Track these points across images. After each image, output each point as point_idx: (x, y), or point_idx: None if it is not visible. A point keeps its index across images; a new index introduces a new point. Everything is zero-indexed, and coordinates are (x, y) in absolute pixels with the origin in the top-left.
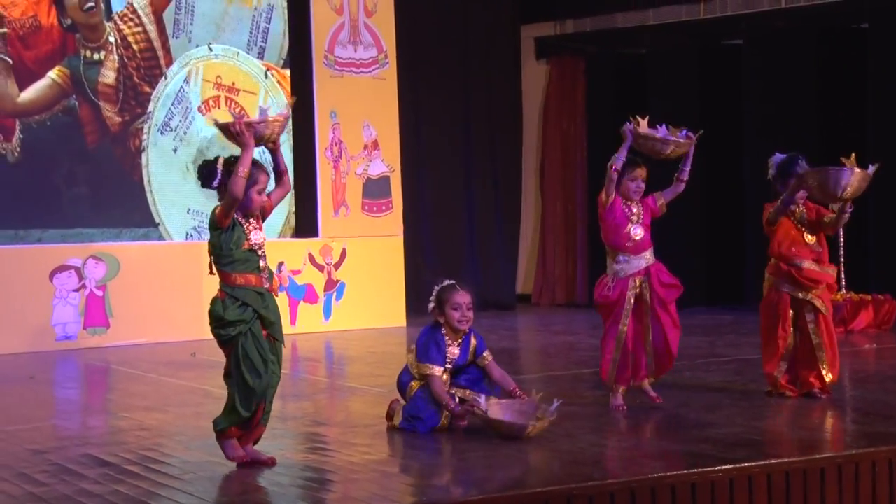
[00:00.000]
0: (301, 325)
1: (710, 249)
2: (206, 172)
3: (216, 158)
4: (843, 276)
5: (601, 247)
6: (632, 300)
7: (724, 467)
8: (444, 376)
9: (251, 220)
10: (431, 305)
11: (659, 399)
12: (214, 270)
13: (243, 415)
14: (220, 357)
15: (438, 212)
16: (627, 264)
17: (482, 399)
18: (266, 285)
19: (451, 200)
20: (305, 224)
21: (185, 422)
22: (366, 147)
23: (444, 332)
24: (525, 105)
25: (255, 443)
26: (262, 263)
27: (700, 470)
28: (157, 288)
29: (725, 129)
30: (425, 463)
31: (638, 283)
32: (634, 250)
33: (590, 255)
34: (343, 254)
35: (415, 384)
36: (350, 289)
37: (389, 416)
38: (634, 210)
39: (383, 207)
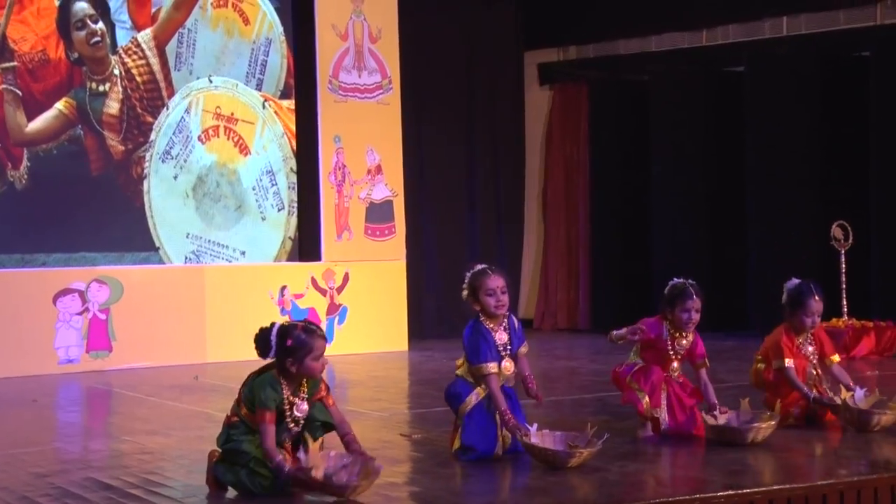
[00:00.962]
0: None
1: (712, 274)
2: (262, 344)
3: (271, 327)
4: (844, 302)
5: (603, 272)
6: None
7: (725, 493)
8: (507, 364)
9: (300, 387)
10: (465, 293)
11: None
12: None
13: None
14: (222, 380)
15: (441, 236)
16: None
17: (533, 428)
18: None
19: (453, 225)
20: (308, 248)
21: (187, 445)
22: (369, 171)
23: (483, 321)
24: (528, 130)
25: None
26: (288, 436)
27: (702, 496)
28: (160, 311)
29: (728, 154)
30: (429, 488)
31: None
32: (664, 369)
33: (592, 280)
34: (346, 278)
35: (473, 397)
36: (352, 313)
37: (452, 443)
38: (683, 342)
39: (386, 232)
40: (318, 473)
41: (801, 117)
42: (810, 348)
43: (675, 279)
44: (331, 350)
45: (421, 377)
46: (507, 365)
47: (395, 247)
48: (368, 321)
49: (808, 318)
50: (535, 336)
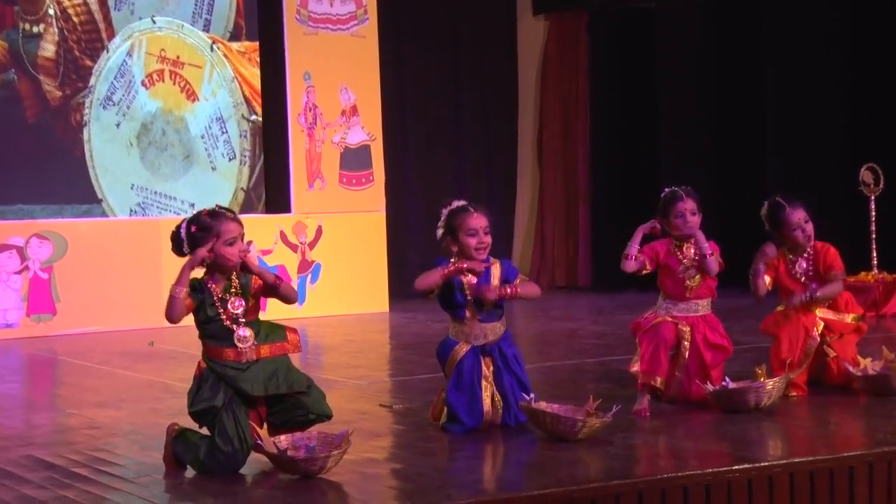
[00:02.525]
0: (272, 311)
1: (727, 224)
2: (175, 240)
3: (180, 224)
4: (874, 254)
5: (606, 223)
6: (665, 322)
7: (741, 466)
8: (469, 314)
9: (231, 283)
10: (440, 232)
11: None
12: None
13: (197, 466)
14: (181, 346)
15: (424, 185)
16: (674, 306)
17: (532, 396)
18: (251, 357)
19: (438, 173)
20: (276, 199)
21: (141, 419)
22: (343, 113)
23: (455, 261)
24: (521, 66)
25: None
26: (241, 333)
27: (715, 469)
28: (110, 269)
29: (745, 90)
30: (411, 464)
31: (681, 329)
32: (684, 297)
33: (593, 233)
34: (318, 232)
35: (460, 349)
36: (326, 270)
37: (436, 416)
38: (687, 252)
39: (363, 180)
40: (269, 447)
41: (825, 49)
42: (804, 264)
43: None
44: (303, 312)
45: (403, 341)
46: (472, 310)
47: (373, 197)
48: (344, 279)
49: (796, 231)
50: None
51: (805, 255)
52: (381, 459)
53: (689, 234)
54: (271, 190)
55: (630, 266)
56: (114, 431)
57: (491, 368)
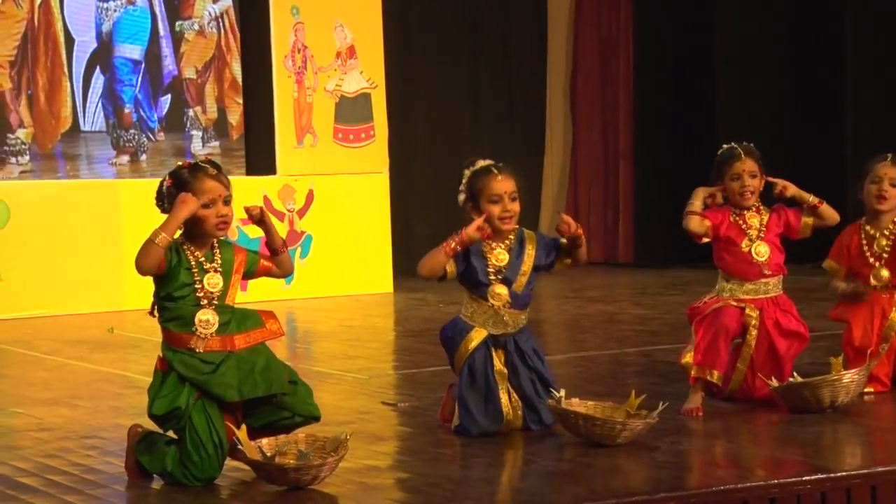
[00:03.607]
0: (254, 291)
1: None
2: (158, 194)
3: (164, 179)
4: None
5: (652, 189)
6: (729, 307)
7: (813, 477)
8: (499, 289)
9: (213, 252)
10: (462, 196)
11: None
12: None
13: (166, 477)
14: (145, 333)
15: (435, 142)
16: (740, 287)
17: (562, 393)
18: (216, 348)
19: (451, 127)
20: (259, 157)
21: (99, 419)
22: (339, 55)
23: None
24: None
25: None
26: (205, 316)
27: (782, 480)
28: (62, 242)
29: (823, 28)
30: (419, 473)
31: (748, 315)
32: (745, 274)
33: (636, 200)
34: (309, 197)
35: (473, 337)
36: (318, 243)
37: (446, 416)
38: (750, 221)
39: (362, 135)
40: (252, 453)
41: None
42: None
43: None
44: (291, 292)
45: (410, 327)
46: (499, 291)
47: (373, 155)
48: (340, 254)
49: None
50: (562, 272)
51: (887, 230)
52: (384, 467)
53: (750, 200)
54: (252, 147)
55: (695, 223)
56: (67, 434)
57: (503, 361)
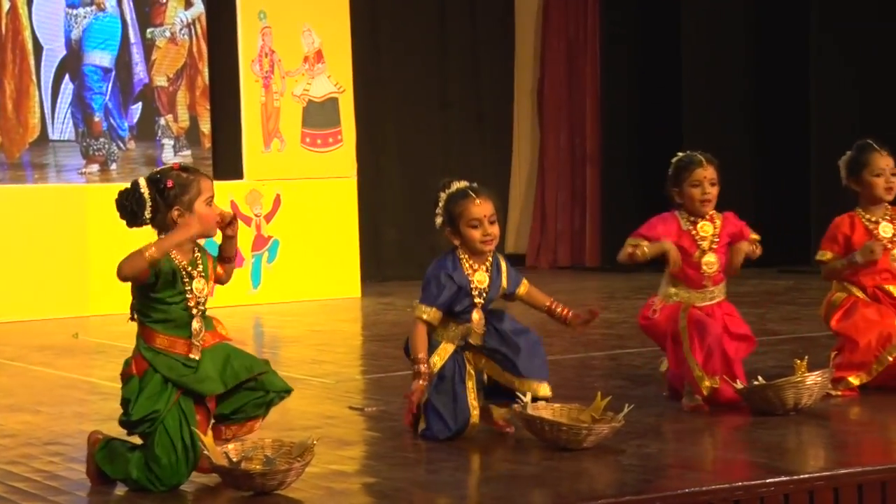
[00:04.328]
0: (221, 296)
1: (760, 192)
2: (132, 201)
3: (135, 183)
4: None
5: (618, 193)
6: (685, 324)
7: (776, 479)
8: (477, 316)
9: (195, 257)
10: (439, 220)
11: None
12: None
13: (131, 483)
14: (110, 339)
15: (403, 146)
16: (686, 294)
17: (527, 397)
18: (192, 355)
19: (419, 131)
20: (226, 162)
21: (62, 426)
22: (306, 60)
23: (461, 255)
24: (518, 3)
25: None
26: (193, 325)
27: (745, 483)
28: (26, 247)
29: (786, 40)
30: (386, 478)
31: None
32: (695, 282)
33: (603, 201)
34: (277, 201)
35: (439, 356)
36: (286, 248)
37: (411, 421)
38: (703, 231)
39: (330, 140)
40: (218, 459)
41: (877, 10)
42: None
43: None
44: (258, 297)
45: (377, 332)
46: (477, 318)
47: (341, 160)
48: (308, 259)
49: (878, 178)
50: (529, 277)
51: (888, 215)
52: (351, 472)
53: (708, 210)
54: (220, 152)
55: (640, 259)
56: (30, 440)
57: (483, 362)
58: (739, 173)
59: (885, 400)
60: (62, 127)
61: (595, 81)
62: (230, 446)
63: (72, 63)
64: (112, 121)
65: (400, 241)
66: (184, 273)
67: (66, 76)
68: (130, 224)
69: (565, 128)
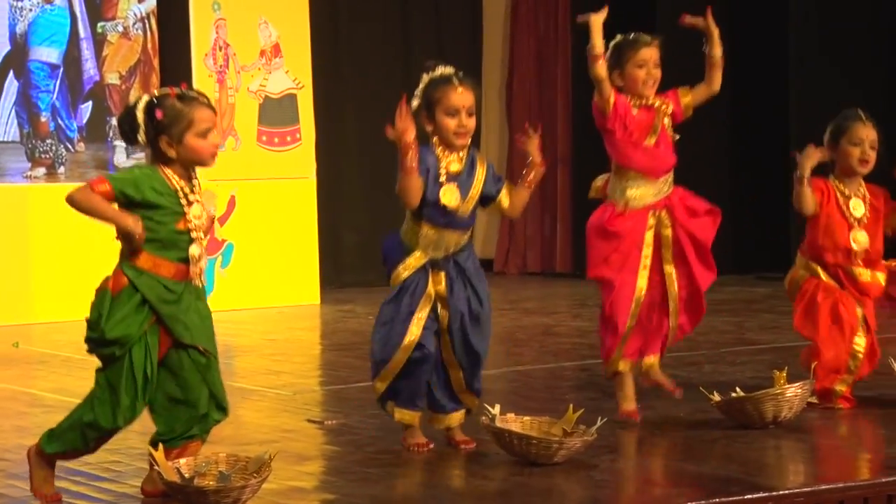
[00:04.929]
0: None
1: (737, 195)
2: (128, 122)
3: (133, 105)
4: None
5: (588, 195)
6: (650, 242)
7: (755, 496)
8: (451, 191)
9: (192, 183)
10: (416, 103)
11: (677, 390)
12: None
13: (87, 434)
14: (53, 348)
15: (364, 146)
16: (644, 190)
17: (495, 410)
18: (196, 281)
19: (382, 131)
20: None
21: (2, 441)
22: (263, 54)
23: (435, 146)
24: None
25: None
26: (192, 251)
27: (724, 499)
28: None
29: (765, 49)
30: (346, 494)
31: (658, 220)
32: (653, 171)
33: (574, 206)
34: (231, 203)
35: (408, 265)
36: (241, 252)
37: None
38: (651, 103)
39: (288, 138)
40: (169, 474)
41: (860, 7)
42: (862, 207)
43: None
44: (211, 303)
45: (337, 341)
46: (451, 194)
47: (300, 159)
48: (264, 264)
49: (855, 149)
50: (497, 283)
51: (860, 193)
52: (309, 488)
53: (651, 90)
54: None
55: (602, 70)
56: None
57: (442, 285)
58: (717, 179)
59: (867, 413)
60: (6, 127)
61: (566, 81)
62: (182, 461)
63: (16, 59)
64: (60, 121)
65: (361, 245)
66: (182, 194)
67: (11, 73)
68: (125, 140)
69: (536, 128)
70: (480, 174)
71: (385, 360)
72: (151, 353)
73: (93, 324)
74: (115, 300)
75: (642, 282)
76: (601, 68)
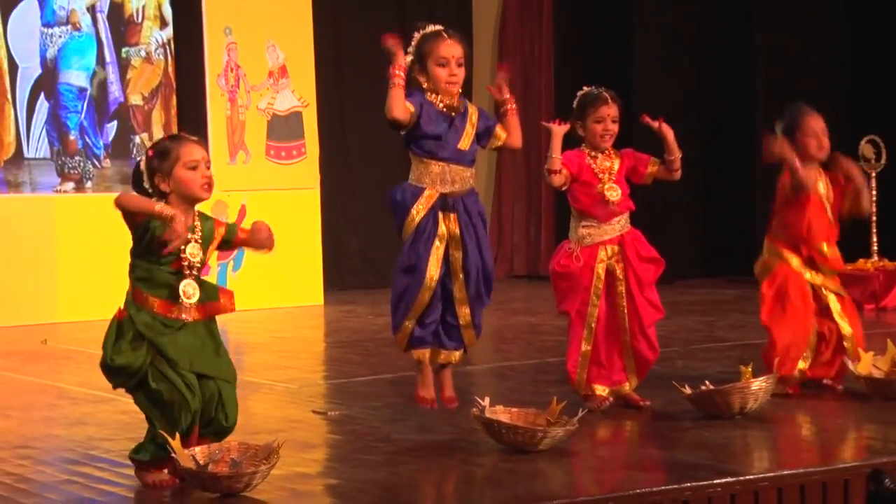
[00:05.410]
0: None
1: (712, 205)
2: (135, 172)
3: (140, 161)
4: (874, 238)
5: (570, 206)
6: (602, 274)
7: (723, 480)
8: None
9: (193, 224)
10: (409, 58)
11: (645, 402)
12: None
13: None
14: (78, 345)
15: (364, 159)
16: (597, 230)
17: (485, 403)
18: (192, 316)
19: (380, 145)
20: None
21: (32, 430)
22: (271, 74)
23: (430, 95)
24: (476, 22)
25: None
26: (188, 289)
27: (694, 484)
28: None
29: (732, 59)
30: (348, 479)
31: (610, 254)
32: (606, 216)
33: (557, 215)
34: (242, 212)
35: (421, 205)
36: (251, 257)
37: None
38: (603, 165)
39: (294, 152)
40: (185, 461)
41: (820, 14)
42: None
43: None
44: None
45: (340, 339)
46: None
47: (305, 172)
48: (272, 268)
49: (811, 139)
50: None
51: (821, 177)
52: (313, 474)
53: (607, 145)
54: None
55: (559, 181)
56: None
57: (455, 225)
58: (687, 184)
59: (825, 405)
60: (37, 145)
61: (550, 98)
62: (197, 449)
63: (47, 82)
64: (87, 139)
65: (361, 250)
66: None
67: (42, 95)
68: (136, 191)
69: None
70: (473, 112)
71: (410, 301)
72: (165, 371)
73: (104, 348)
74: (119, 328)
75: (593, 310)
76: (557, 181)
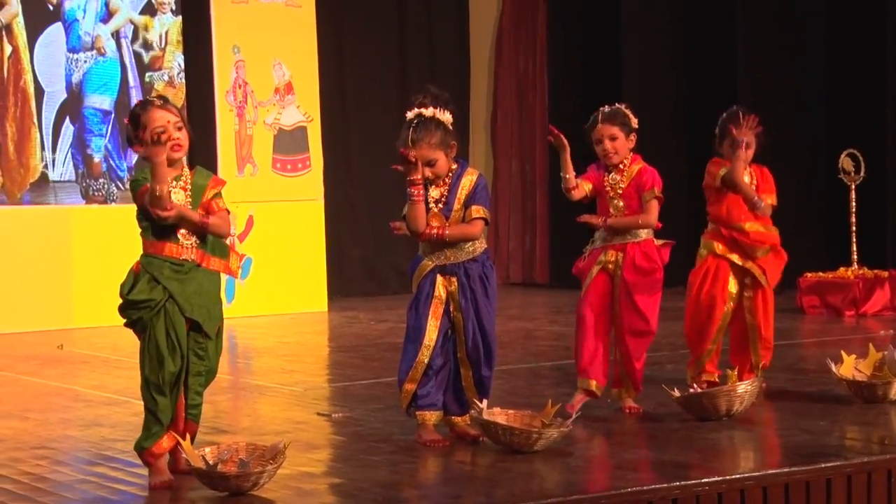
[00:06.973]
0: None
1: (697, 215)
2: (127, 139)
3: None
4: (854, 247)
5: (564, 216)
6: (595, 273)
7: (711, 479)
8: (434, 221)
9: (181, 175)
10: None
11: (637, 409)
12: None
13: (155, 416)
14: (93, 350)
15: (366, 172)
16: (602, 234)
17: (483, 405)
18: (191, 256)
19: (381, 158)
20: None
21: (49, 431)
22: (277, 91)
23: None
24: (473, 41)
25: (192, 439)
26: (183, 236)
27: (683, 483)
28: (14, 263)
29: (714, 67)
30: (351, 479)
31: (611, 258)
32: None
33: (551, 225)
34: (249, 222)
35: (423, 269)
36: (258, 265)
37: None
38: (616, 178)
39: (299, 165)
40: (195, 461)
41: (801, 26)
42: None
43: None
44: (232, 311)
45: (343, 343)
46: (433, 222)
47: (309, 184)
48: (278, 275)
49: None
50: None
51: (750, 174)
52: (318, 474)
53: (611, 161)
54: None
55: (577, 195)
56: (18, 445)
57: (454, 287)
58: (676, 189)
59: (809, 407)
60: (63, 168)
61: (543, 114)
62: (207, 449)
63: (72, 106)
64: (111, 162)
65: (364, 259)
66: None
67: (67, 118)
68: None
69: (517, 156)
70: (465, 185)
71: (410, 361)
72: (173, 322)
73: (122, 292)
74: (137, 277)
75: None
76: (576, 195)
